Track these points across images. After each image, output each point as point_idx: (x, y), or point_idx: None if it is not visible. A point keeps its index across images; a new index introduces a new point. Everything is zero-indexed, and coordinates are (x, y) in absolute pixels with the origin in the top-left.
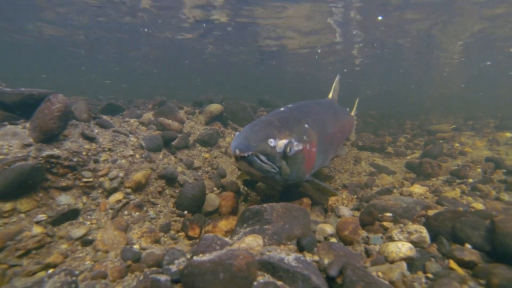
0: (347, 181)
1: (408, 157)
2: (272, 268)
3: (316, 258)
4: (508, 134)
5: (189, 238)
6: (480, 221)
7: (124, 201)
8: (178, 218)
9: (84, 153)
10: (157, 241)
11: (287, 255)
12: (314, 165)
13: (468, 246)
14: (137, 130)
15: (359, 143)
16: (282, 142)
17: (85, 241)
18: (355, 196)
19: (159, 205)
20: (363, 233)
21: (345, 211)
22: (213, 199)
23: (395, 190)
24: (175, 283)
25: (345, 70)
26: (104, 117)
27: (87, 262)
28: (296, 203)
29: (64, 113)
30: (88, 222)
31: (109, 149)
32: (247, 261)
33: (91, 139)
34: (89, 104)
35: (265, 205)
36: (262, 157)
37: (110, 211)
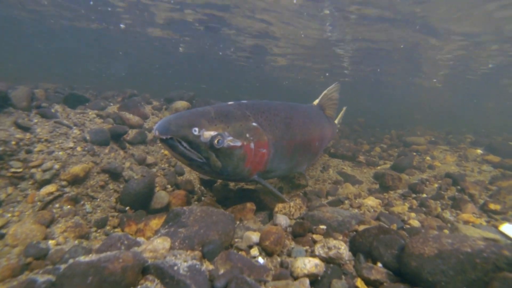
0: (309, 188)
1: (378, 167)
2: (162, 274)
3: (211, 267)
4: (479, 151)
5: None
6: (396, 239)
7: (57, 193)
8: (117, 214)
9: (14, 142)
10: (83, 237)
11: (184, 262)
12: (266, 167)
13: (379, 264)
14: (89, 122)
15: (331, 150)
16: (208, 133)
17: None
18: (307, 204)
19: (98, 200)
20: (291, 245)
21: (282, 220)
22: (162, 196)
23: (346, 202)
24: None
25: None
26: (57, 106)
27: None
28: (239, 207)
29: None
30: (9, 215)
31: (46, 140)
32: (125, 265)
33: (25, 128)
34: (56, 93)
35: (185, 207)
36: (184, 144)
37: (38, 203)
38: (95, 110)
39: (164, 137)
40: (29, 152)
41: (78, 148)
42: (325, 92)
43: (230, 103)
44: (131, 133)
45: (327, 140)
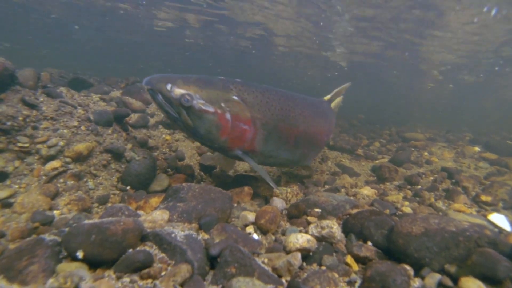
0: (308, 178)
1: (377, 161)
2: (160, 240)
3: (207, 237)
4: (477, 149)
5: None
6: (386, 220)
7: (61, 169)
8: (118, 192)
9: (21, 118)
10: (85, 210)
11: (181, 231)
12: (255, 147)
13: (369, 243)
14: (93, 104)
15: (331, 142)
16: (179, 91)
17: (6, 203)
18: (304, 191)
19: (101, 178)
20: (286, 225)
21: (278, 203)
22: (163, 179)
23: (343, 190)
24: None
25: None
26: (62, 88)
27: None
28: (237, 190)
29: (0, 76)
30: (16, 186)
31: (51, 118)
32: (126, 227)
33: (32, 105)
34: (60, 77)
35: (184, 184)
36: (160, 96)
37: (44, 177)
38: (98, 94)
39: (146, 88)
40: (35, 128)
41: (82, 127)
42: (338, 89)
43: (220, 77)
44: (134, 117)
45: (331, 133)
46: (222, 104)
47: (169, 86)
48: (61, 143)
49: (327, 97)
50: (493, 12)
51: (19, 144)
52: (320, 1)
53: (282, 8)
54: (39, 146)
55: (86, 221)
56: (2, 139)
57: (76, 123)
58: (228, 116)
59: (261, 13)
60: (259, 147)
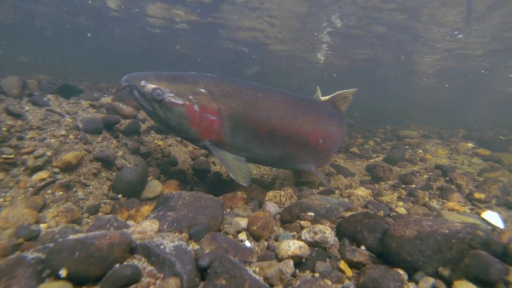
0: (302, 179)
1: (371, 160)
2: (148, 252)
3: (197, 247)
4: (470, 145)
5: None
6: (380, 223)
7: (49, 180)
8: (109, 201)
9: (5, 128)
10: (75, 221)
11: (171, 242)
12: (222, 138)
13: (363, 247)
14: (82, 112)
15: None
16: (151, 86)
17: None
18: (297, 194)
19: (91, 187)
20: (279, 230)
21: (271, 208)
22: (155, 185)
23: (337, 191)
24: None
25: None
26: (50, 96)
27: None
28: (230, 195)
29: None
30: (1, 199)
31: (38, 127)
32: (111, 242)
33: (16, 115)
34: (50, 83)
35: (174, 192)
36: (136, 92)
37: (30, 189)
38: (88, 100)
39: (124, 85)
40: (20, 138)
41: (71, 136)
42: (339, 92)
43: (192, 72)
44: (124, 123)
45: (339, 139)
46: (190, 97)
47: (143, 82)
48: (49, 153)
49: (321, 96)
50: (461, 35)
51: (4, 156)
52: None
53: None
54: (25, 157)
55: (71, 237)
56: None
57: (64, 132)
58: (196, 107)
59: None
60: (227, 139)
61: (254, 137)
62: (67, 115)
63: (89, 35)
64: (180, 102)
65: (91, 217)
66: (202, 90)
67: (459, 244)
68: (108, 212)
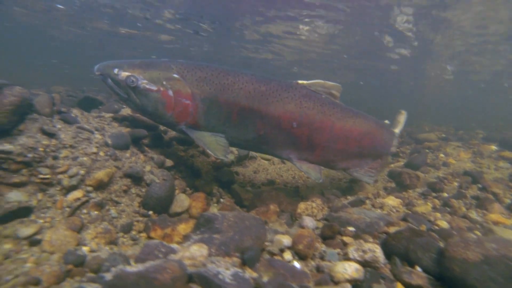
0: (327, 188)
1: (392, 165)
2: (206, 283)
3: (255, 275)
4: (493, 147)
5: (151, 239)
6: (432, 242)
7: (84, 199)
8: (141, 218)
9: (41, 149)
10: (113, 242)
11: (226, 270)
12: (196, 120)
13: (418, 268)
14: (108, 126)
15: None
16: (124, 73)
17: (33, 241)
18: (327, 205)
19: (122, 204)
20: (322, 247)
21: (309, 222)
22: (182, 199)
23: (367, 201)
24: None
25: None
26: (75, 110)
27: (28, 264)
28: (263, 209)
29: (19, 107)
30: (41, 221)
31: (71, 146)
32: (174, 275)
33: (50, 134)
34: (69, 96)
35: (217, 212)
36: (109, 80)
37: (67, 209)
38: (109, 113)
39: (97, 73)
40: (55, 158)
41: (101, 153)
42: (321, 81)
43: (164, 59)
44: (149, 136)
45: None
46: (164, 82)
47: (116, 70)
48: (82, 172)
49: (302, 82)
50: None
51: (41, 176)
52: None
53: None
54: (60, 176)
55: (129, 269)
56: (24, 172)
57: (95, 149)
58: (170, 92)
59: None
60: (201, 122)
61: (227, 119)
62: (96, 132)
63: None
64: (154, 88)
65: (125, 236)
66: (176, 76)
67: None
68: (141, 230)
